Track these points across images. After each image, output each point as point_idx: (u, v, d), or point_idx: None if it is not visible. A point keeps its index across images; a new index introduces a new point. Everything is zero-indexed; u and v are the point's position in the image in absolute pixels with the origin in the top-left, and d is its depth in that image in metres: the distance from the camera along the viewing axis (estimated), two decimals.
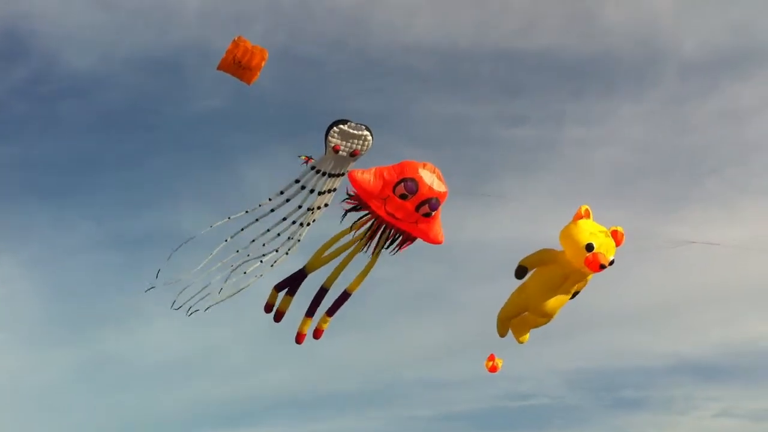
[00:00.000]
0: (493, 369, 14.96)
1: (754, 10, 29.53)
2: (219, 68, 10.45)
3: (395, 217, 11.00)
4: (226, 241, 11.40)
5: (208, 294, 11.55)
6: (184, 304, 11.53)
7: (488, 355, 15.06)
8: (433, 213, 10.95)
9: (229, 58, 10.26)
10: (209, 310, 11.62)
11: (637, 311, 26.02)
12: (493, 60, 30.56)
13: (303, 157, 11.29)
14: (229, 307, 11.93)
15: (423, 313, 25.79)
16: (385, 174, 10.86)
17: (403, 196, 10.77)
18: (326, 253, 11.68)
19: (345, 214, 11.32)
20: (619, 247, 11.29)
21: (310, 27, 28.00)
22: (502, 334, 12.26)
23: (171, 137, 30.06)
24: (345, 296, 11.79)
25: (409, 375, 28.30)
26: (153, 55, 29.02)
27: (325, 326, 11.98)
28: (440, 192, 10.88)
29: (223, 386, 27.92)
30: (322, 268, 11.79)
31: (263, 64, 10.43)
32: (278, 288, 11.91)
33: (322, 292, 11.83)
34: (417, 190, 10.74)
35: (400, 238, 11.40)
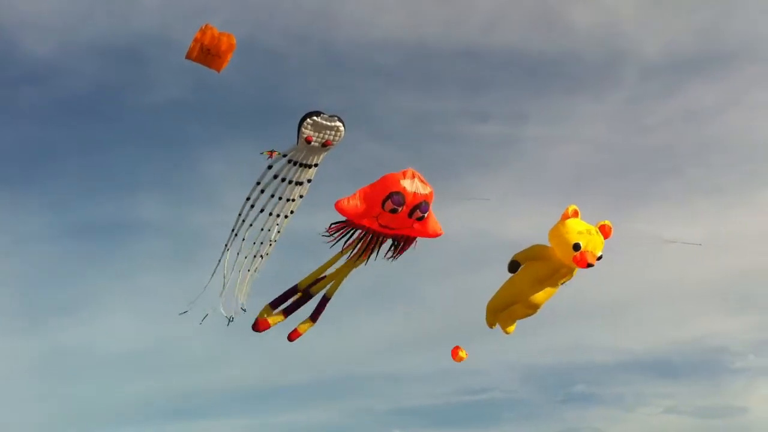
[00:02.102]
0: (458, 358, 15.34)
1: (715, 14, 30.32)
2: (187, 57, 10.34)
3: (390, 228, 11.29)
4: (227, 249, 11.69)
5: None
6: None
7: (453, 349, 15.36)
8: (426, 215, 11.19)
9: (196, 46, 10.16)
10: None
11: (590, 309, 26.42)
12: (459, 57, 30.78)
13: (266, 153, 11.32)
14: (187, 300, 12.00)
15: (379, 306, 25.88)
16: (370, 194, 11.04)
17: (393, 211, 10.98)
18: (324, 275, 12.11)
19: (339, 240, 11.59)
20: (607, 239, 11.71)
21: (275, 20, 27.91)
22: (491, 325, 12.66)
23: (131, 127, 29.82)
24: (326, 302, 12.29)
25: (364, 368, 28.50)
26: (114, 44, 28.71)
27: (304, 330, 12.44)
28: (426, 194, 11.09)
29: (180, 378, 27.76)
30: (309, 278, 12.16)
31: (232, 50, 10.39)
32: (273, 305, 12.23)
33: (324, 301, 12.33)
34: (405, 201, 10.94)
35: (402, 243, 11.71)
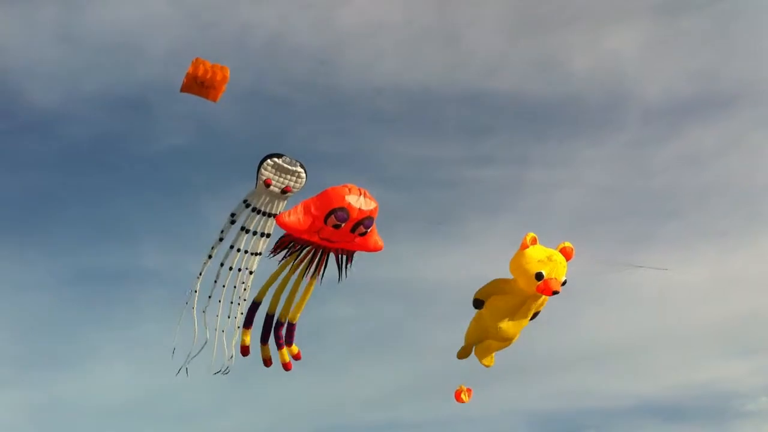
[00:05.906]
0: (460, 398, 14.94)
1: (715, 58, 30.62)
2: (182, 90, 10.39)
3: (331, 241, 11.13)
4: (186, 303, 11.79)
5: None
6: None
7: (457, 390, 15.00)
8: (368, 230, 11.04)
9: (190, 79, 10.23)
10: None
11: (598, 352, 26.12)
12: (460, 102, 30.93)
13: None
14: (180, 351, 11.93)
15: (380, 353, 25.54)
16: (312, 209, 10.84)
17: (336, 226, 10.81)
18: (273, 286, 11.89)
19: (282, 255, 11.56)
20: (570, 261, 11.59)
21: (278, 66, 28.14)
22: (461, 356, 12.67)
23: (134, 175, 29.85)
24: (293, 327, 12.23)
25: (362, 417, 27.93)
26: (118, 93, 28.96)
27: (295, 351, 12.43)
28: (371, 210, 10.94)
29: (176, 430, 27.23)
30: (269, 296, 12.01)
31: (226, 80, 10.39)
32: (247, 326, 12.11)
33: (278, 324, 12.16)
34: (348, 217, 10.76)
35: (345, 257, 11.63)
